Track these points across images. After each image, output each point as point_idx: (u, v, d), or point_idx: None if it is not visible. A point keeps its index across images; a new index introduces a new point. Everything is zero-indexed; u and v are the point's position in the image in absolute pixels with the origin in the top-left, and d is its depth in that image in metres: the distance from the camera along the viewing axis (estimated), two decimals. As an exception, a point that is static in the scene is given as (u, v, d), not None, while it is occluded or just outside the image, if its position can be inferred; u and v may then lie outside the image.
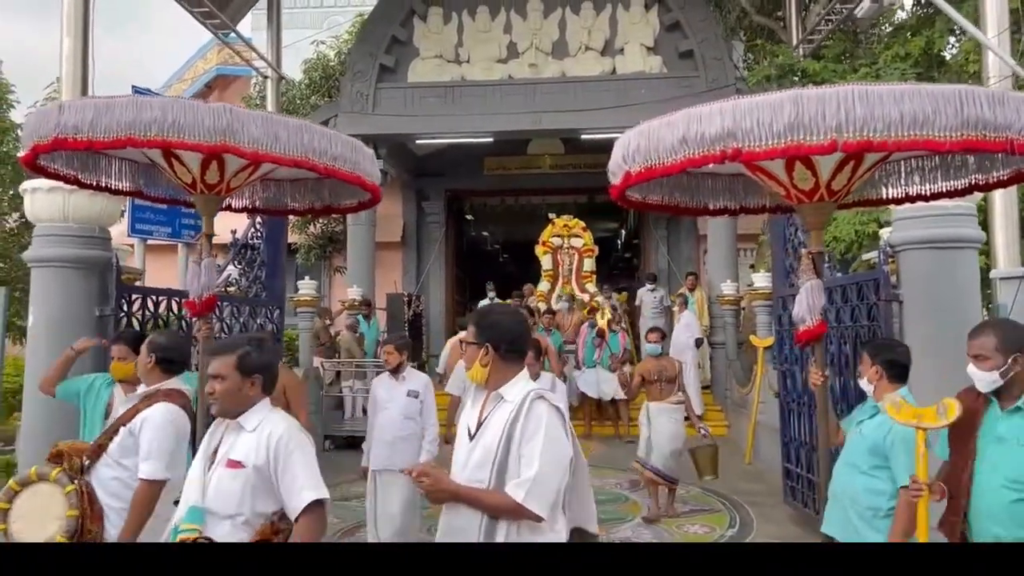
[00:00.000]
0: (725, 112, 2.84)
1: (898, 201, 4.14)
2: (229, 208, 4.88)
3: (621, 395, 9.41)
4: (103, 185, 4.43)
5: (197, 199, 4.16)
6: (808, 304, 3.60)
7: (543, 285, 13.11)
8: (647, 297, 12.37)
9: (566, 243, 13.23)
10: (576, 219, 13.44)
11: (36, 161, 3.87)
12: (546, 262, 13.30)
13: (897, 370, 3.25)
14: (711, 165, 3.04)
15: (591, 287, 12.91)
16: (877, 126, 2.70)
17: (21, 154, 3.85)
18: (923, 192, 3.97)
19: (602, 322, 10.54)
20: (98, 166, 4.32)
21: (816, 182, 3.35)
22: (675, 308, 11.56)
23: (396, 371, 5.08)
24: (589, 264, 13.16)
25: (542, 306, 11.84)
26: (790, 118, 2.73)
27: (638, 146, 3.10)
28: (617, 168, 3.30)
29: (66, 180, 4.26)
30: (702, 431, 6.50)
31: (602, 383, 10.23)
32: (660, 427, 6.36)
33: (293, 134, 3.52)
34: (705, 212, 4.34)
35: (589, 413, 10.49)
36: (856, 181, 3.43)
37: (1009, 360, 2.73)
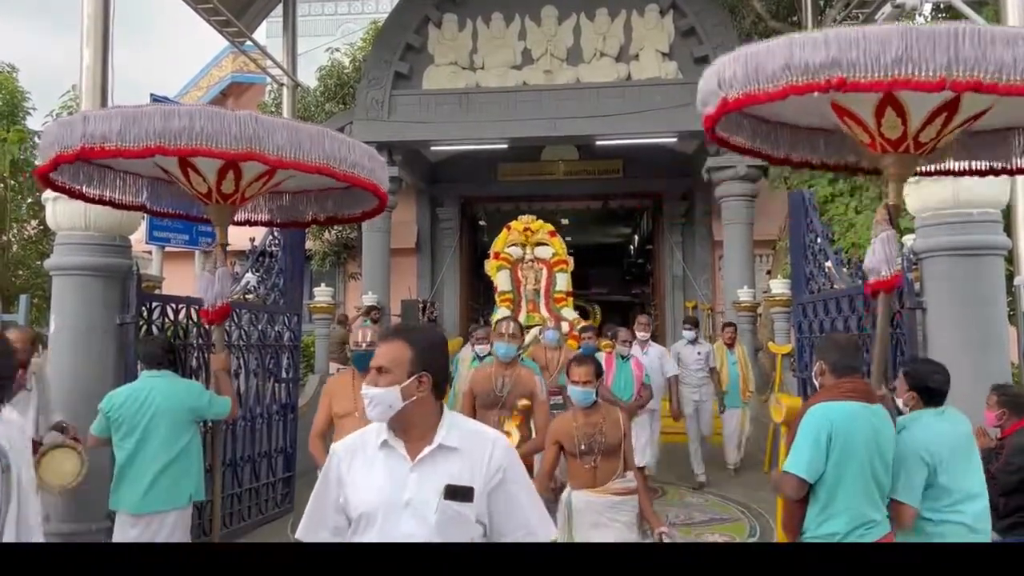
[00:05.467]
0: (830, 41, 2.74)
1: (982, 173, 3.95)
2: (238, 223, 4.88)
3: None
4: (107, 199, 4.39)
5: (211, 209, 4.17)
6: (885, 254, 3.47)
7: (500, 312, 8.95)
8: (686, 353, 8.24)
9: (528, 254, 9.38)
10: (541, 221, 9.63)
11: (51, 173, 3.80)
12: (502, 281, 9.32)
13: (930, 395, 3.25)
14: (793, 111, 2.85)
15: (568, 312, 9.16)
16: (989, 67, 2.59)
17: (39, 164, 3.78)
18: (1009, 167, 3.81)
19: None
20: (104, 180, 4.28)
21: (904, 131, 3.19)
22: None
23: None
24: (563, 281, 9.27)
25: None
26: (898, 52, 2.63)
27: (735, 72, 2.96)
28: (710, 95, 3.14)
29: (70, 193, 4.24)
30: (663, 536, 3.68)
31: None
32: (587, 538, 3.72)
33: (316, 142, 3.53)
34: (787, 162, 4.14)
35: None
36: (945, 135, 3.25)
37: None
